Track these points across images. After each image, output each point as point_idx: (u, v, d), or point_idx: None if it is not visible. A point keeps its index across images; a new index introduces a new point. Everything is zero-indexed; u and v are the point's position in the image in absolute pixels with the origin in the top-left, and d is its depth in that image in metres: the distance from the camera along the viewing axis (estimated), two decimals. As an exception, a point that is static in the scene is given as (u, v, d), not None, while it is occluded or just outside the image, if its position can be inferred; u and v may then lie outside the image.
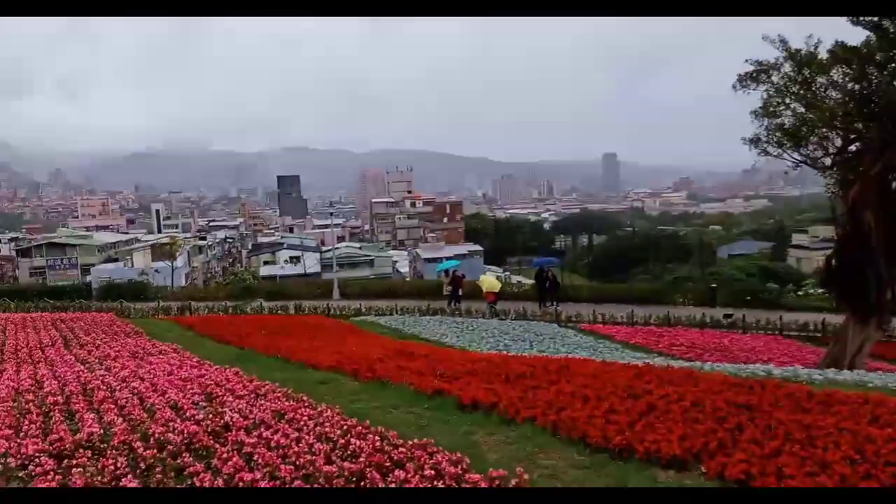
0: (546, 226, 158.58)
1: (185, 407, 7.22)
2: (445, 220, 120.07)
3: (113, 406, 7.41)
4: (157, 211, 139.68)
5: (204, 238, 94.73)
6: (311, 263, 79.54)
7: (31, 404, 7.54)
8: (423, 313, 23.64)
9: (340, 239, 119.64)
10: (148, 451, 5.26)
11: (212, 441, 5.68)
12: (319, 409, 6.77)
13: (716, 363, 14.84)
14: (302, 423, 6.16)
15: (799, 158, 20.51)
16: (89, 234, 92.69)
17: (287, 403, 7.04)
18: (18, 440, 5.71)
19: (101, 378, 9.47)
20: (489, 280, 25.77)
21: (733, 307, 26.26)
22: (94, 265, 72.95)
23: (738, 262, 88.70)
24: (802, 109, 18.80)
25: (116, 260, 77.88)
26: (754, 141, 21.47)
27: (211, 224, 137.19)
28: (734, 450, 4.82)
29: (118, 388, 8.59)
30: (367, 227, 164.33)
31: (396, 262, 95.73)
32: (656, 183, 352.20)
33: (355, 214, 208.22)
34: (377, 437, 5.54)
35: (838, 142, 18.27)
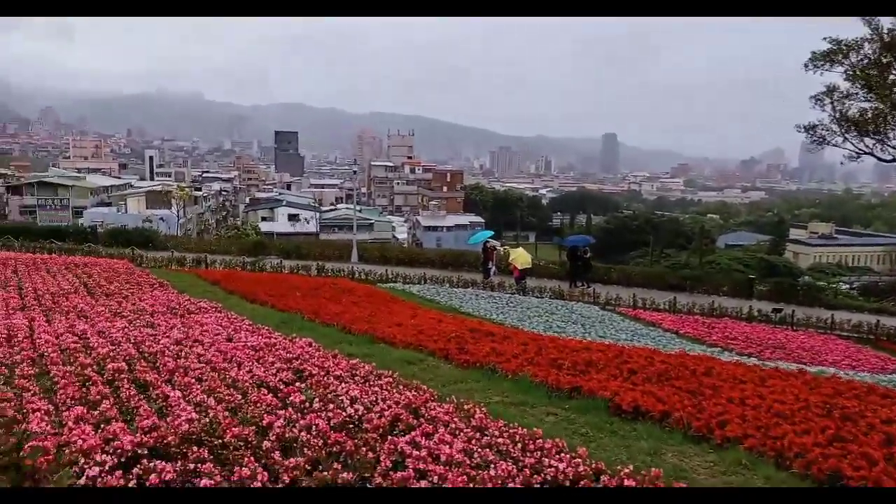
0: (544, 202, 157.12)
1: (281, 388, 5.98)
2: (445, 188, 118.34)
3: (191, 380, 6.14)
4: (151, 158, 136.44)
5: (199, 189, 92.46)
6: (308, 223, 77.99)
7: (89, 369, 6.25)
8: (452, 285, 22.46)
9: (338, 200, 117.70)
10: (290, 461, 4.00)
11: (353, 444, 4.44)
12: (457, 402, 5.55)
13: (779, 360, 13.93)
14: (453, 424, 4.94)
15: (863, 149, 19.27)
16: (82, 176, 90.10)
17: (410, 393, 5.80)
18: (105, 428, 4.43)
19: (152, 338, 8.20)
20: (521, 254, 24.49)
21: (768, 300, 25.35)
22: (85, 208, 71.01)
23: (735, 252, 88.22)
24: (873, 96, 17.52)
25: (109, 204, 75.83)
26: (811, 128, 20.12)
27: (204, 175, 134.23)
28: None
29: (182, 353, 7.32)
30: (363, 189, 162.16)
31: (395, 227, 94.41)
32: (654, 167, 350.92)
33: (348, 176, 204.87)
34: (569, 456, 4.33)
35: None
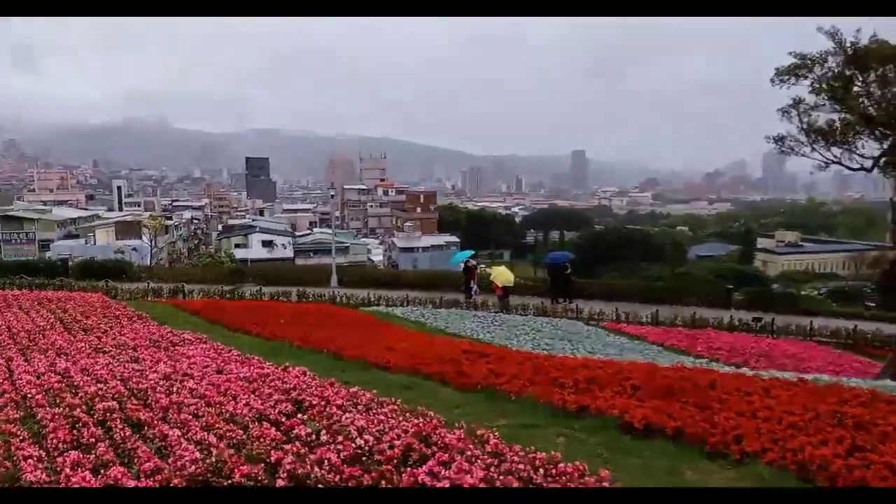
0: (517, 220, 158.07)
1: (283, 421, 5.77)
2: (419, 209, 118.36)
3: (187, 416, 5.89)
4: (119, 188, 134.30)
5: (170, 218, 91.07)
6: (284, 249, 77.31)
7: (78, 410, 5.96)
8: (436, 305, 22.31)
9: (312, 224, 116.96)
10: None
11: (370, 479, 4.26)
12: (468, 428, 5.40)
13: (772, 370, 14.03)
14: (468, 451, 4.79)
15: (831, 158, 19.70)
16: (48, 209, 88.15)
17: (416, 421, 5.64)
18: (105, 473, 4.19)
19: (139, 374, 7.91)
20: (502, 272, 24.49)
21: (745, 309, 25.67)
22: (52, 241, 69.41)
23: (707, 263, 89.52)
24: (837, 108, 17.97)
25: (77, 236, 74.20)
26: (780, 139, 20.56)
27: (175, 204, 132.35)
28: None
29: (173, 388, 7.04)
30: (337, 213, 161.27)
31: (370, 250, 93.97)
32: (624, 181, 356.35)
33: (324, 200, 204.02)
34: (593, 479, 4.21)
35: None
